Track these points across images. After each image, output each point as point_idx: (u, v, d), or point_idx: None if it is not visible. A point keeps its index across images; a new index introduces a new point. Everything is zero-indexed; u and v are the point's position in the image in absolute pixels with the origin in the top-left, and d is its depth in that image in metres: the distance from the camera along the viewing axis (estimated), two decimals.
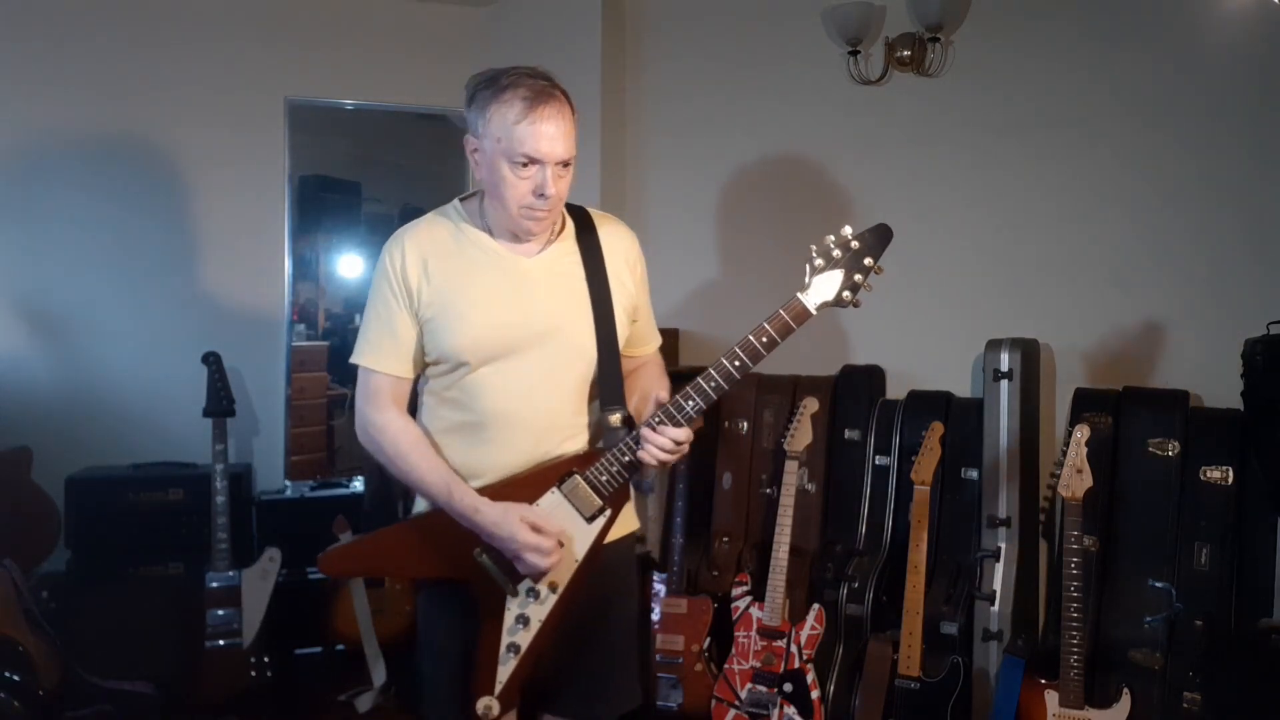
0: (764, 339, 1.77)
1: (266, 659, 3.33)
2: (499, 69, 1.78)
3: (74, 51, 3.74)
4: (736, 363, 1.77)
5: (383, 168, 4.32)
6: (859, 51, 3.36)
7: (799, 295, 1.78)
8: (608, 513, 1.83)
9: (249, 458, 4.02)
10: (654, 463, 1.78)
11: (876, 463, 3.20)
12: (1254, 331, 2.58)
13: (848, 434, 3.28)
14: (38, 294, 3.74)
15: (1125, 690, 2.46)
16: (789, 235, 3.70)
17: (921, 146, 3.38)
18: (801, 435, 3.04)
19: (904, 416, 3.16)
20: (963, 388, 3.23)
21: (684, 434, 1.78)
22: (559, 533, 1.78)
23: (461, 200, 1.91)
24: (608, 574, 1.92)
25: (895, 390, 3.33)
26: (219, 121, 3.91)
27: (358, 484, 3.99)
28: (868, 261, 1.77)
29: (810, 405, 3.06)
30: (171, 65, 3.86)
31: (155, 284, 3.87)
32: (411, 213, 4.19)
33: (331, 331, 4.22)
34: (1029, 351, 2.97)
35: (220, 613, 3.29)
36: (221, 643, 3.28)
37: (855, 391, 3.31)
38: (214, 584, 3.30)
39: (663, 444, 1.76)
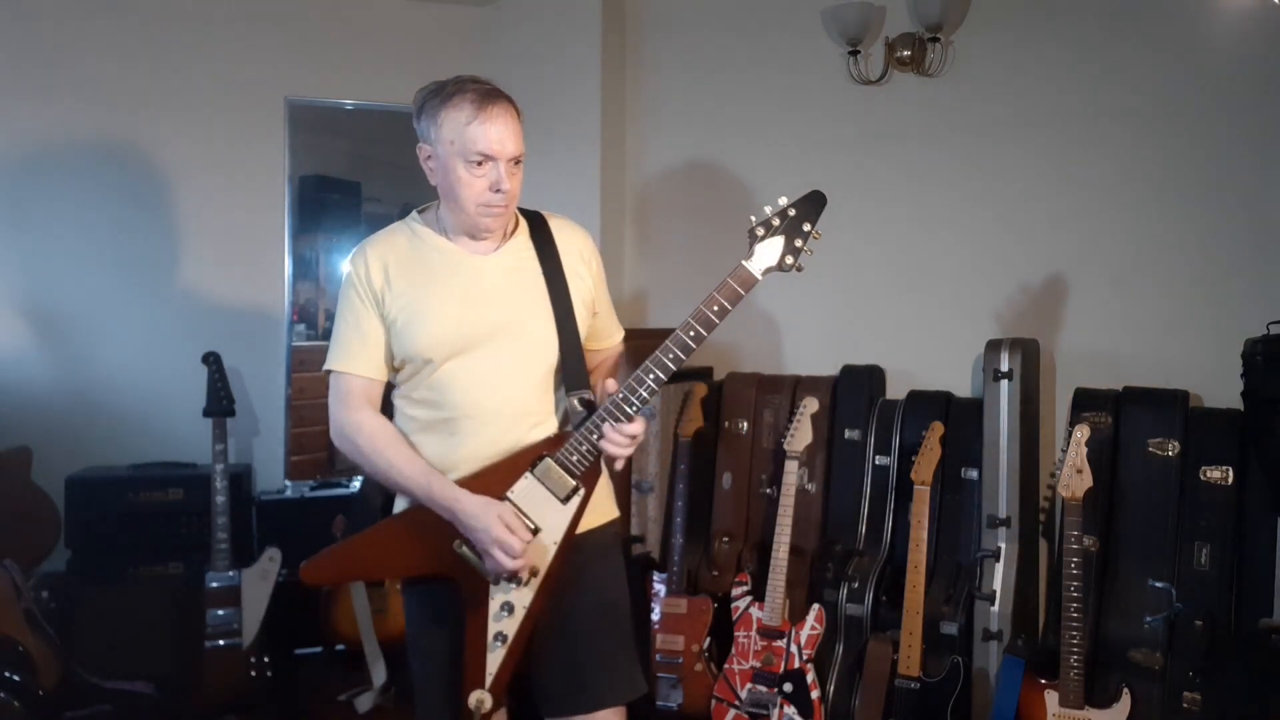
0: (715, 307, 1.84)
1: (266, 659, 3.33)
2: (443, 80, 1.87)
3: (74, 52, 3.74)
4: (691, 333, 1.83)
5: (383, 168, 4.32)
6: (859, 51, 3.36)
7: (744, 263, 1.85)
8: (581, 492, 1.86)
9: (249, 458, 4.02)
10: (617, 456, 1.84)
11: (876, 463, 3.20)
12: (1254, 331, 2.58)
13: (848, 434, 3.28)
14: (38, 294, 3.74)
15: (1125, 690, 2.46)
16: None
17: (921, 146, 3.38)
18: (801, 435, 3.04)
19: (904, 416, 3.16)
20: (963, 388, 3.23)
21: (638, 427, 1.84)
22: (529, 541, 1.81)
23: (419, 211, 1.99)
24: (591, 563, 1.95)
25: (895, 390, 3.33)
26: (219, 122, 3.92)
27: (357, 484, 3.99)
28: (806, 227, 1.85)
29: (810, 405, 3.06)
30: (171, 66, 3.86)
31: (155, 284, 3.87)
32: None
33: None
34: (1029, 351, 2.97)
35: (220, 613, 3.29)
36: (221, 643, 3.28)
37: (855, 391, 3.31)
38: (214, 584, 3.30)
39: (619, 440, 1.82)
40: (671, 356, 1.83)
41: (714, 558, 3.37)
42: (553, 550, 1.86)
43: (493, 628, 1.84)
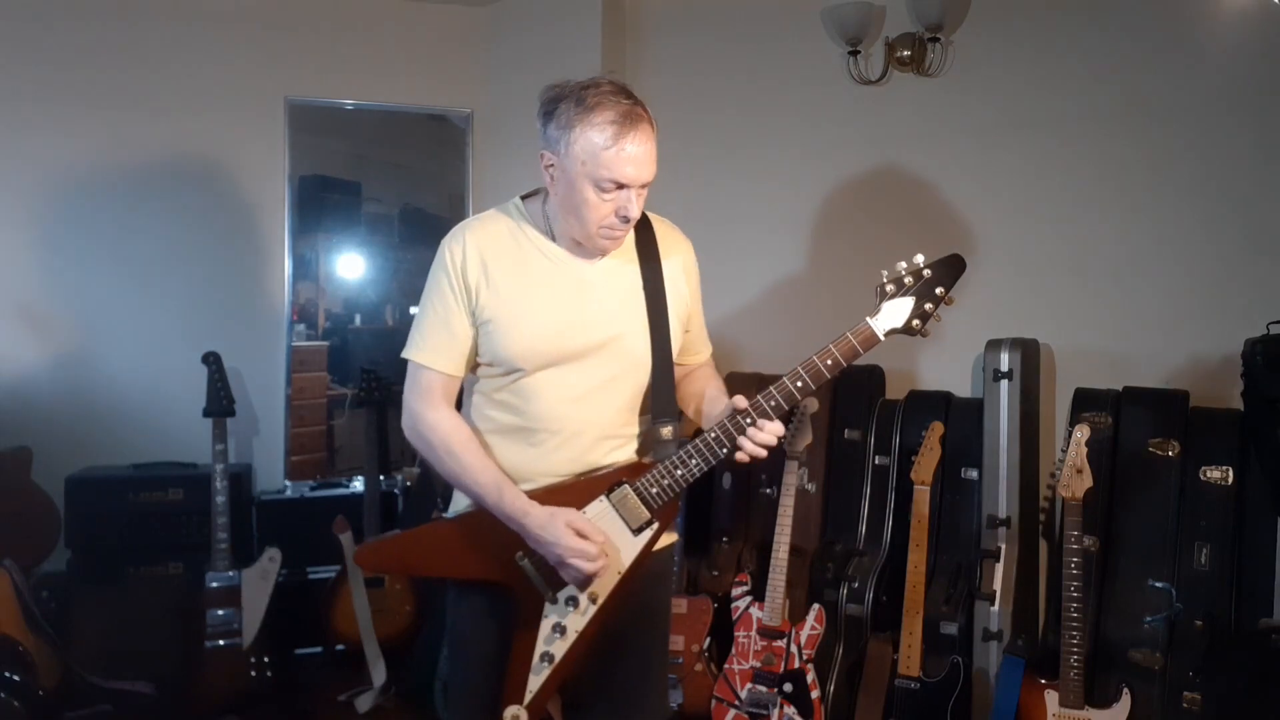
0: (829, 361, 1.76)
1: (266, 659, 3.33)
2: (579, 82, 1.74)
3: (73, 52, 3.74)
4: (799, 383, 1.76)
5: (383, 168, 4.32)
6: (859, 51, 3.35)
7: (868, 320, 1.77)
8: (655, 526, 1.80)
9: (249, 458, 4.02)
10: (753, 455, 1.77)
11: (876, 463, 3.20)
12: (1254, 331, 2.58)
13: (848, 434, 3.28)
14: (38, 294, 3.74)
15: (1125, 690, 2.46)
16: (788, 235, 3.71)
17: (921, 146, 3.38)
18: (801, 435, 3.03)
19: (904, 416, 3.16)
20: (963, 388, 3.23)
21: (780, 427, 1.78)
22: (604, 541, 1.75)
23: (523, 199, 1.88)
24: (648, 586, 1.89)
25: (895, 390, 3.33)
26: (219, 122, 3.92)
27: (358, 484, 3.99)
28: (939, 291, 1.76)
29: (810, 405, 3.05)
30: (172, 65, 3.86)
31: (155, 284, 3.87)
32: (411, 213, 4.21)
33: (331, 331, 4.22)
34: (1029, 351, 2.97)
35: (220, 613, 3.29)
36: (221, 643, 3.28)
37: (855, 391, 3.31)
38: (214, 584, 3.30)
39: (765, 440, 1.76)
40: (774, 404, 1.76)
41: (714, 558, 3.37)
42: (616, 580, 1.80)
43: (541, 647, 1.79)
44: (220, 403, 3.42)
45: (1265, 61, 2.77)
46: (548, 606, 1.79)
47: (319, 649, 3.71)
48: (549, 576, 1.78)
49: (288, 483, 4.03)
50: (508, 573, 1.78)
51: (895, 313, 1.76)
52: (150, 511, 3.57)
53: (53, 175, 3.74)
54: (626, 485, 1.79)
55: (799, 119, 3.64)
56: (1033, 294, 3.16)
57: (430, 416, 1.81)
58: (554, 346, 1.79)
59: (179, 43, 3.87)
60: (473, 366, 1.86)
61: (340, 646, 3.59)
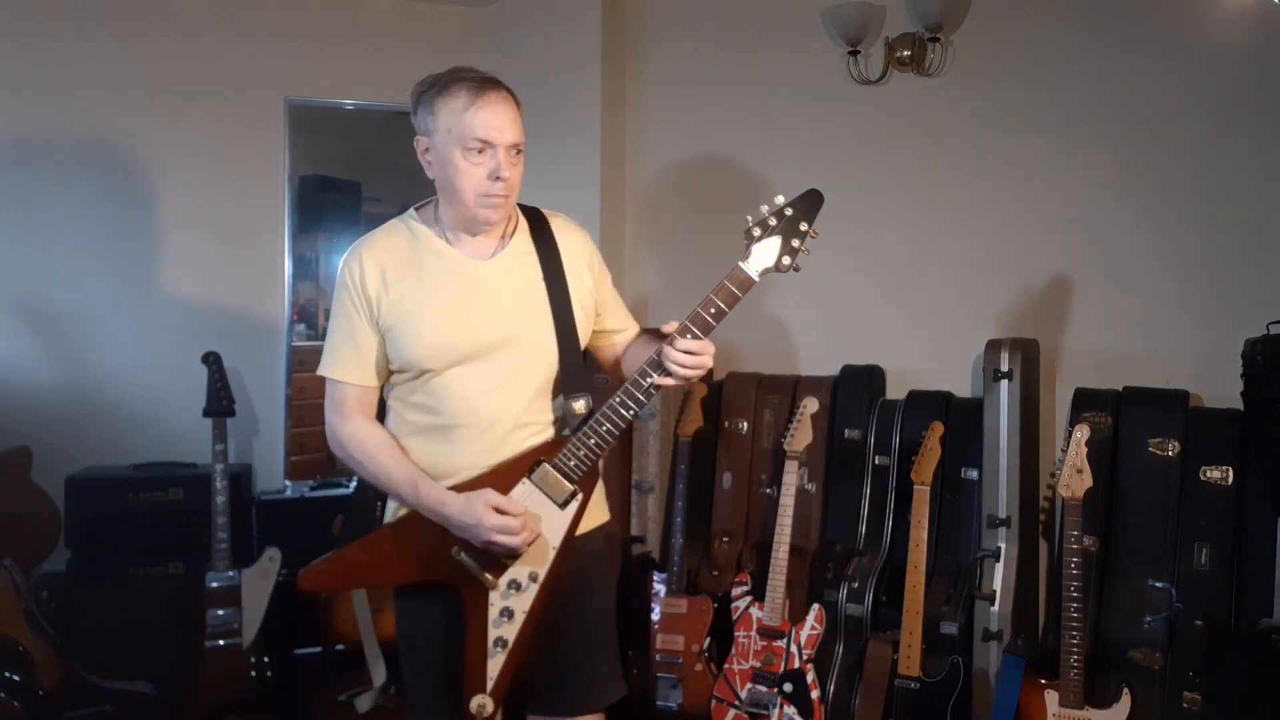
0: (712, 310, 1.80)
1: (266, 659, 3.33)
2: (439, 73, 1.84)
3: (74, 51, 3.74)
4: (689, 336, 1.80)
5: (383, 168, 4.32)
6: (859, 51, 3.36)
7: (740, 264, 1.81)
8: (580, 496, 1.86)
9: (249, 458, 4.02)
10: (680, 376, 1.79)
11: (876, 463, 3.20)
12: (1254, 331, 2.58)
13: (848, 434, 3.28)
14: (38, 294, 3.73)
15: (1125, 690, 2.46)
16: None
17: (921, 146, 3.38)
18: (801, 435, 3.04)
19: (904, 416, 3.16)
20: (963, 388, 3.23)
21: (703, 345, 1.79)
22: (523, 512, 1.81)
23: (416, 209, 1.95)
24: (579, 566, 1.94)
25: (895, 390, 3.33)
26: (219, 121, 3.92)
27: (357, 484, 3.99)
28: (803, 227, 1.81)
29: (810, 405, 3.06)
30: (171, 65, 3.86)
31: (155, 284, 3.87)
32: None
33: None
34: (1029, 351, 2.97)
35: (220, 613, 3.29)
36: (221, 643, 3.28)
37: (855, 391, 3.31)
38: (214, 584, 3.30)
39: (681, 359, 1.78)
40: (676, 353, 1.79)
41: (714, 558, 3.37)
42: (552, 555, 1.85)
43: (493, 633, 1.84)
44: (220, 403, 3.42)
45: (1265, 62, 2.77)
46: (492, 594, 1.84)
47: (319, 649, 3.70)
48: (487, 565, 1.83)
49: (288, 483, 4.02)
50: (448, 569, 1.83)
51: (765, 253, 1.81)
52: (150, 511, 3.56)
53: (52, 174, 3.73)
54: (545, 463, 1.85)
55: (799, 119, 3.63)
56: (1033, 294, 3.16)
57: (347, 428, 1.89)
58: (457, 343, 1.84)
59: (179, 42, 3.87)
60: (387, 376, 1.92)
61: (340, 646, 3.58)
